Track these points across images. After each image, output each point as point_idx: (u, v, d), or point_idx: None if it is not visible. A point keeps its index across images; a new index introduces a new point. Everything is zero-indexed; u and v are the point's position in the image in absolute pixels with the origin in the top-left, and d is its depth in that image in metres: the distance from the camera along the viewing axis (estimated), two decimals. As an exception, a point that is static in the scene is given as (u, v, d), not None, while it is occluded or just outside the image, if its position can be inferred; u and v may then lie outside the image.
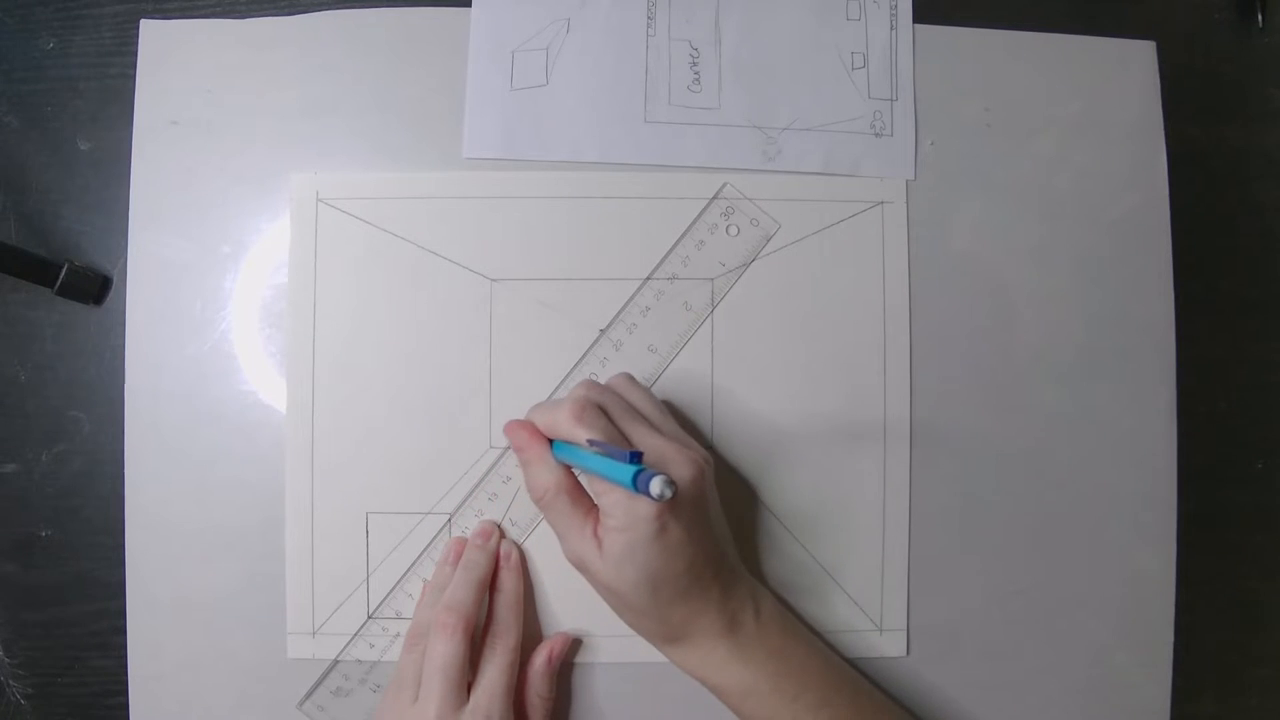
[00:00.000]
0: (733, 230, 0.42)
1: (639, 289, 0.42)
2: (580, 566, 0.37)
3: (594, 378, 0.41)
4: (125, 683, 0.41)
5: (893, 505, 0.42)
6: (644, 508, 0.34)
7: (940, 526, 0.42)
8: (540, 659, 0.39)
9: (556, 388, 0.42)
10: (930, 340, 0.43)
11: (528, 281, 0.42)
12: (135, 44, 0.42)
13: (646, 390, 0.39)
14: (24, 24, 0.43)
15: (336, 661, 0.41)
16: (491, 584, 0.40)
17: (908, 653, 0.42)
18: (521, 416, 0.39)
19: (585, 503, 0.37)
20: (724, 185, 0.42)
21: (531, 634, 0.40)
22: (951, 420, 0.43)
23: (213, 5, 0.43)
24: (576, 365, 0.42)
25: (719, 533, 0.37)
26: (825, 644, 0.40)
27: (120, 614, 0.41)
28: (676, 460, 0.35)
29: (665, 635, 0.37)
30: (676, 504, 0.34)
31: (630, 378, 0.39)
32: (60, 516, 0.42)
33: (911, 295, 0.43)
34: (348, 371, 0.41)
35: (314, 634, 0.41)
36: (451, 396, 0.41)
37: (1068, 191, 0.44)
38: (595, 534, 0.36)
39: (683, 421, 0.41)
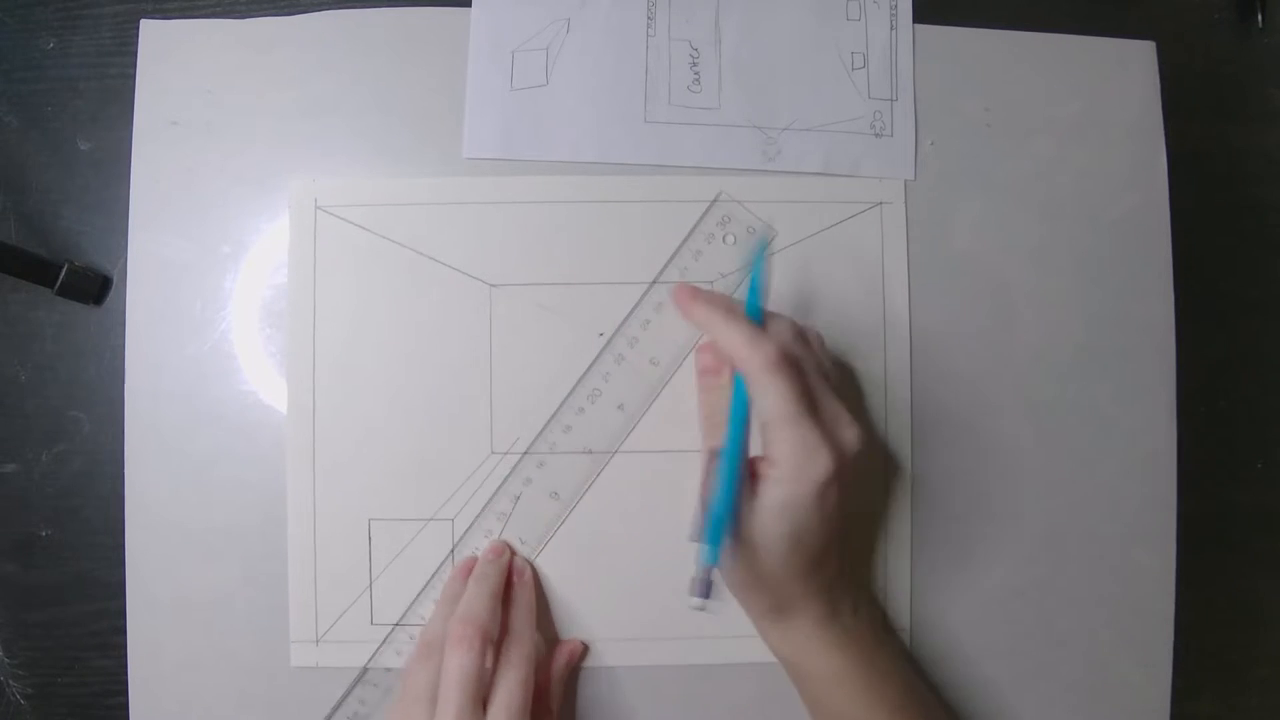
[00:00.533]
0: (729, 239, 0.42)
1: (638, 303, 0.42)
2: None
3: (597, 394, 0.41)
4: (125, 683, 0.41)
5: (895, 506, 0.42)
6: (816, 467, 0.33)
7: (941, 527, 0.42)
8: (561, 663, 0.40)
9: (567, 396, 0.41)
10: (930, 340, 0.43)
11: (528, 286, 0.42)
12: (135, 44, 0.42)
13: (832, 357, 0.37)
14: (24, 24, 0.43)
15: (358, 677, 0.41)
16: (505, 598, 0.39)
17: (908, 653, 0.42)
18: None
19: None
20: (719, 193, 0.42)
21: (541, 648, 0.40)
22: (952, 421, 0.42)
23: (213, 5, 0.43)
24: (580, 380, 0.41)
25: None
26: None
27: (120, 614, 0.41)
28: (851, 427, 0.34)
29: (774, 607, 0.37)
30: (842, 473, 0.34)
31: (820, 337, 0.37)
32: (60, 516, 0.42)
33: (911, 295, 0.43)
34: (348, 378, 0.41)
35: (317, 642, 0.41)
36: (452, 401, 0.41)
37: (1068, 191, 0.44)
38: (753, 487, 0.35)
39: (685, 418, 0.41)
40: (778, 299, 0.42)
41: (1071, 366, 0.43)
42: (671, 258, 0.42)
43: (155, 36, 0.42)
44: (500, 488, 0.41)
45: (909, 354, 0.42)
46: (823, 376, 0.36)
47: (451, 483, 0.41)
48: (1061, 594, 0.42)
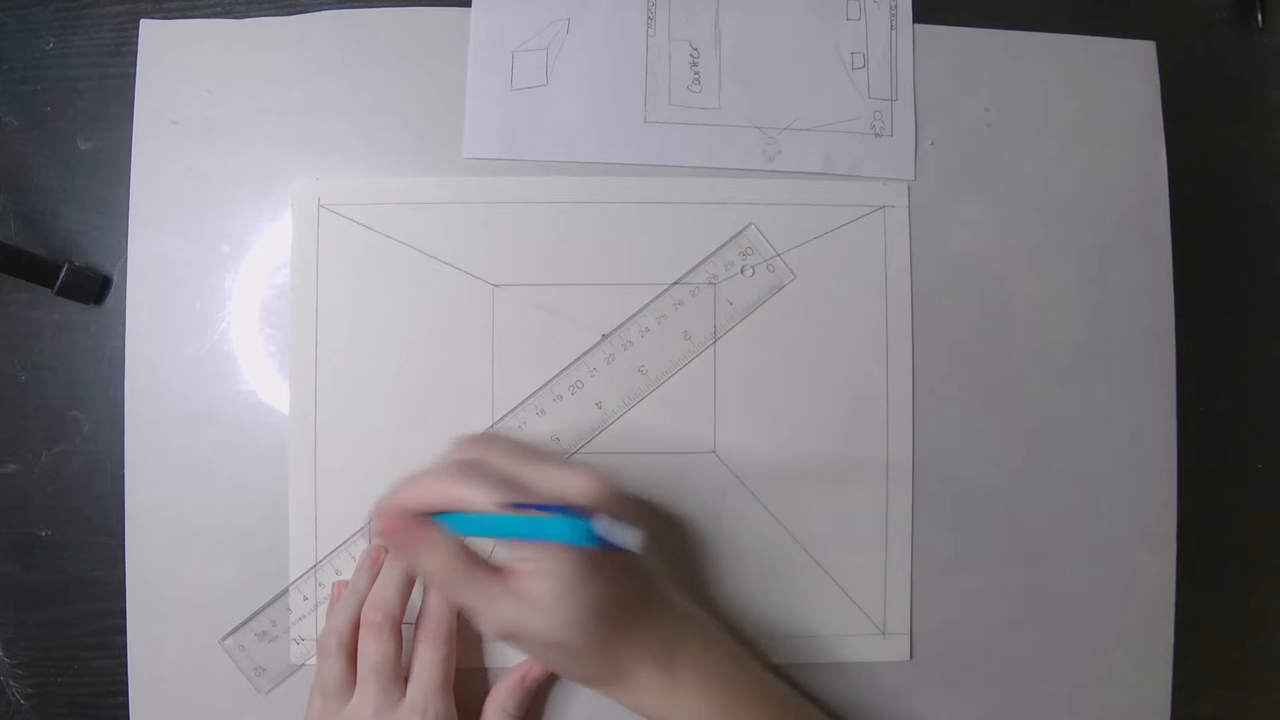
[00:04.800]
0: (748, 271, 0.42)
1: (641, 310, 0.41)
2: (512, 633, 0.33)
3: (579, 386, 0.41)
4: (125, 683, 0.41)
5: (896, 508, 0.42)
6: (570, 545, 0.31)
7: (942, 528, 0.42)
8: (515, 676, 0.39)
9: (549, 381, 0.41)
10: (930, 341, 0.43)
11: (530, 287, 0.42)
12: (135, 44, 0.42)
13: (512, 438, 0.37)
14: (24, 24, 0.43)
15: (279, 599, 0.41)
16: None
17: (911, 656, 0.42)
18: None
19: (486, 565, 0.33)
20: (749, 226, 0.42)
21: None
22: (953, 421, 0.42)
23: (213, 5, 0.43)
24: (566, 370, 0.41)
25: (644, 559, 0.35)
26: (781, 677, 0.39)
27: (120, 614, 0.41)
28: (576, 479, 0.32)
29: (611, 675, 0.35)
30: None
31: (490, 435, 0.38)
32: (60, 516, 0.42)
33: (913, 296, 0.43)
34: (350, 377, 0.41)
35: (317, 639, 0.41)
36: (454, 401, 0.41)
37: (1068, 191, 0.44)
38: (517, 592, 0.32)
39: (685, 419, 0.41)
40: (781, 301, 0.42)
41: (1071, 366, 0.43)
42: (686, 275, 0.42)
43: (155, 36, 0.42)
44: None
45: (910, 354, 0.42)
46: (520, 455, 0.34)
47: (451, 483, 0.41)
48: (1061, 594, 0.42)
